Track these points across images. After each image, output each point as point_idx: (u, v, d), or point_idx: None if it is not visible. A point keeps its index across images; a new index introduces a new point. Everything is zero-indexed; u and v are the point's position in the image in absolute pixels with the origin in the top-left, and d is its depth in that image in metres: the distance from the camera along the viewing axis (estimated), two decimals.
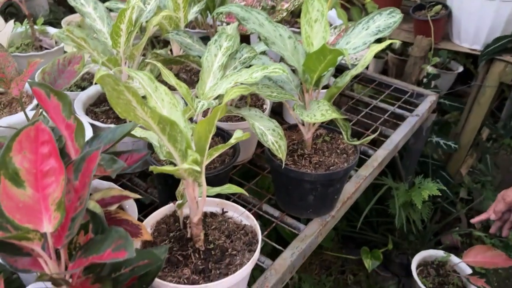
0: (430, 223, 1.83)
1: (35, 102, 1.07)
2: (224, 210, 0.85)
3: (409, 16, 1.81)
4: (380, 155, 1.28)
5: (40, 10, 2.93)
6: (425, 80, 1.73)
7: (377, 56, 2.46)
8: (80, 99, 1.09)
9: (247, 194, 0.76)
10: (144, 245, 0.75)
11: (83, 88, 1.23)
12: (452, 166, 1.94)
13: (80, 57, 1.00)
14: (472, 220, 1.30)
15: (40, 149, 0.52)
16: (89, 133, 0.98)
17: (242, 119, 1.12)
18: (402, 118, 1.49)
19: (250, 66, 0.95)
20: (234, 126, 1.09)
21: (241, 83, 0.86)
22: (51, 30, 1.44)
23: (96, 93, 1.14)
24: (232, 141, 0.70)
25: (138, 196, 0.69)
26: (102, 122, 1.04)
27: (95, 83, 1.16)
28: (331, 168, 0.96)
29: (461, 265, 1.62)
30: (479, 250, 1.53)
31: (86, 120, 1.01)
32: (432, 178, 1.82)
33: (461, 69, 2.36)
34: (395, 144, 1.34)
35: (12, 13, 2.10)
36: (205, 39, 1.52)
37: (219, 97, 0.90)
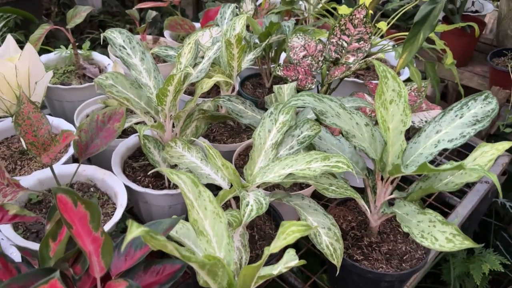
0: None
1: (70, 152, 0.99)
2: None
3: (484, 56, 1.62)
4: None
5: (94, 10, 2.92)
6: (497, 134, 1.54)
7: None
8: (118, 152, 1.00)
9: None
10: None
11: (123, 132, 1.14)
12: None
13: (121, 114, 0.91)
14: None
15: None
16: (123, 197, 0.89)
17: (302, 186, 1.00)
18: (468, 183, 1.33)
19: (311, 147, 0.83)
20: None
21: (294, 174, 0.74)
22: (96, 56, 1.36)
23: (136, 144, 1.05)
24: (283, 270, 0.58)
25: None
26: (139, 182, 0.95)
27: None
28: (404, 258, 0.84)
29: None
30: None
31: (121, 181, 0.92)
32: (492, 240, 1.64)
33: None
34: (461, 219, 1.18)
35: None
36: (256, 77, 1.41)
37: (280, 237, 0.78)
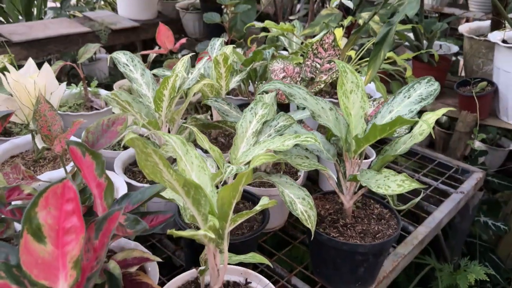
0: None
1: None
2: (248, 280, 0.82)
3: (454, 92, 1.79)
4: (421, 233, 1.21)
5: (101, 74, 3.17)
6: (471, 156, 1.66)
7: None
8: (120, 158, 1.13)
9: (270, 265, 0.74)
10: None
11: (125, 147, 1.27)
12: (502, 249, 1.80)
13: (124, 119, 1.04)
14: None
15: (64, 206, 0.53)
16: (123, 190, 1.00)
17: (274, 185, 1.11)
18: (446, 195, 1.43)
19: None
20: (265, 192, 1.08)
21: (273, 151, 0.87)
22: (103, 92, 1.53)
23: None
24: (257, 208, 0.69)
25: (158, 259, 0.68)
26: (138, 181, 1.07)
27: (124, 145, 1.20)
28: (377, 236, 0.93)
29: None
30: None
31: (122, 179, 1.03)
32: (480, 260, 1.69)
33: None
34: (437, 221, 1.27)
35: (74, 74, 2.27)
36: (245, 106, 1.57)
37: (251, 162, 0.91)
